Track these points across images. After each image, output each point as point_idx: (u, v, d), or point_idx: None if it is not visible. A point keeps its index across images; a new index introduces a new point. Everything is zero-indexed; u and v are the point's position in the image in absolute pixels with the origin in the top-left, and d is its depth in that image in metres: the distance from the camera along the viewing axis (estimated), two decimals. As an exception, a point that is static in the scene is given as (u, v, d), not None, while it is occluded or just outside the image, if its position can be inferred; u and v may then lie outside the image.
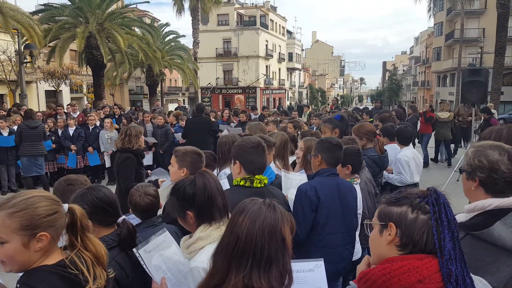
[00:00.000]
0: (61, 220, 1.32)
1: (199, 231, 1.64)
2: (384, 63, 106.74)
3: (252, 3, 45.80)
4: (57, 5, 17.67)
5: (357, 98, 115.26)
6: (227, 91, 43.05)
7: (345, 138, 3.71)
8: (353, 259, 2.80)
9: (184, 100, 40.50)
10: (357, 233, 2.92)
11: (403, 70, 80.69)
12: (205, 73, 38.33)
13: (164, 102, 30.14)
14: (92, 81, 19.67)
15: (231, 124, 9.68)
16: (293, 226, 1.33)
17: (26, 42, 14.97)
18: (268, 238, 1.24)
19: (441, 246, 1.14)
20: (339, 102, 17.16)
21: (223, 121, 10.24)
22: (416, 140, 9.83)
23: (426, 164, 10.18)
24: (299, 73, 61.47)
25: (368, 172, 3.57)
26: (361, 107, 14.95)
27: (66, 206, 1.35)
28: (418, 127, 10.40)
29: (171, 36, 26.50)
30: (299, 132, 5.73)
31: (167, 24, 26.35)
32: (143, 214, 2.27)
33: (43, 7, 18.17)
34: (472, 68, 8.92)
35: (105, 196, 1.80)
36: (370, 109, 11.25)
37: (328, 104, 19.74)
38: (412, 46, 69.36)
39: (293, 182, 2.96)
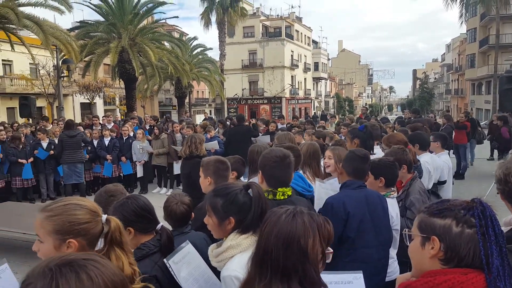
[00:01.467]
0: (94, 230, 1.35)
1: (230, 239, 1.65)
2: (414, 71, 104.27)
3: (277, 15, 46.27)
4: (92, 22, 18.53)
5: (386, 107, 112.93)
6: (253, 101, 43.40)
7: (394, 147, 3.58)
8: (390, 279, 2.68)
9: (210, 111, 41.18)
10: (395, 251, 2.80)
11: (435, 78, 78.46)
12: (231, 84, 38.90)
13: (192, 113, 30.77)
14: (125, 94, 20.36)
15: (259, 134, 9.74)
16: (328, 236, 1.26)
17: (64, 57, 15.78)
18: (283, 248, 1.19)
19: (489, 262, 1.09)
20: (368, 111, 16.79)
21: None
22: (451, 151, 9.51)
23: (461, 176, 9.81)
24: (325, 83, 61.08)
25: (421, 183, 3.46)
26: (390, 117, 14.54)
27: (104, 217, 1.39)
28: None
29: (199, 49, 27.20)
30: (328, 144, 5.68)
31: (195, 38, 27.05)
32: (177, 222, 2.31)
33: (79, 24, 19.09)
34: (510, 75, 8.57)
35: (144, 204, 1.85)
36: (403, 119, 10.97)
37: (357, 114, 19.43)
38: (444, 53, 67.45)
39: (326, 191, 2.93)
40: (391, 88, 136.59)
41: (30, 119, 14.48)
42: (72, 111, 27.26)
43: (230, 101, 40.53)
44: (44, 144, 8.05)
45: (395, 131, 6.16)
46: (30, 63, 23.12)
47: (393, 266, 2.78)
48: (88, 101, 27.14)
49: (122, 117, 23.48)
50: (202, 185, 2.67)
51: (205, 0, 29.50)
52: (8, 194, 7.96)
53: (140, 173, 8.96)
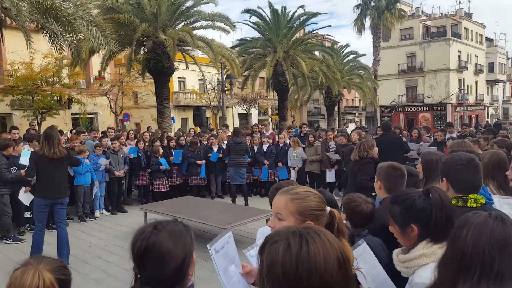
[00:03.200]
0: (323, 218, 1.48)
1: (422, 247, 1.62)
2: None
3: (441, 13, 41.52)
4: (249, 39, 20.27)
5: None
6: (411, 108, 39.84)
7: None
8: None
9: (360, 119, 39.82)
10: None
11: None
12: (385, 91, 36.63)
13: (340, 122, 30.41)
14: (277, 104, 21.50)
15: (422, 144, 8.84)
16: None
17: (227, 73, 17.69)
18: (498, 251, 1.17)
19: None
20: None
21: (412, 140, 9.42)
22: None
23: None
24: (504, 86, 51.64)
25: None
26: None
27: (328, 208, 1.52)
28: None
29: (350, 57, 26.68)
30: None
31: (347, 45, 26.64)
32: (364, 221, 2.32)
33: (238, 41, 21.14)
34: None
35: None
36: None
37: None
38: None
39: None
40: None
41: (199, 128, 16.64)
42: (232, 121, 30.36)
43: (384, 109, 38.21)
44: (215, 149, 9.18)
45: None
46: (199, 79, 27.02)
47: None
48: (245, 111, 29.79)
49: (274, 127, 24.88)
50: (375, 187, 2.74)
51: (358, 6, 28.93)
52: (185, 191, 9.22)
53: (292, 178, 9.16)
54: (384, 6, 27.77)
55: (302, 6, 18.78)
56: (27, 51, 12.35)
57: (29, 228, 6.89)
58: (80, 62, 13.02)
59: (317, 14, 18.83)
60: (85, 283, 4.68)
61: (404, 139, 9.52)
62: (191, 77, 27.28)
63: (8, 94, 15.69)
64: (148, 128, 13.31)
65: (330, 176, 9.00)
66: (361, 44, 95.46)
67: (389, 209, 1.73)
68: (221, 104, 24.63)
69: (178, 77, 27.51)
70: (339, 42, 33.14)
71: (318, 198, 1.49)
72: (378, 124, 28.12)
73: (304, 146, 9.37)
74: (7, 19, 10.24)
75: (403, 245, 1.72)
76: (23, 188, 6.35)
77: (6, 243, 6.23)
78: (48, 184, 4.94)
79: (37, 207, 5.09)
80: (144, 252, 1.28)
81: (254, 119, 32.25)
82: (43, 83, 16.09)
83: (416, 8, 40.26)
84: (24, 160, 6.19)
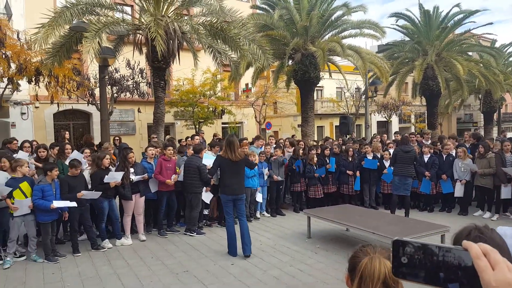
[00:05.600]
0: None
1: None
2: None
3: None
4: (392, 43, 19.35)
5: None
6: None
7: None
8: None
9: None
10: None
11: None
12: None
13: (499, 131, 26.13)
14: (420, 111, 19.88)
15: None
16: None
17: (371, 80, 17.20)
18: None
19: None
20: None
21: None
22: None
23: None
24: None
25: None
26: None
27: None
28: None
29: (516, 55, 22.92)
30: None
31: (511, 44, 22.99)
32: None
33: (377, 46, 20.31)
34: None
35: None
36: None
37: None
38: None
39: None
40: None
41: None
42: (370, 129, 29.26)
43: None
44: (369, 157, 9.01)
45: None
46: (336, 87, 26.85)
47: None
48: (384, 119, 28.34)
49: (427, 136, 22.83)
50: None
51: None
52: (337, 199, 9.29)
53: (458, 193, 8.37)
54: None
55: (457, 5, 17.06)
56: (191, 69, 14.40)
57: (206, 224, 7.97)
58: (237, 77, 14.47)
59: (476, 12, 16.79)
60: (266, 278, 5.06)
61: None
62: (328, 86, 27.45)
63: (174, 106, 18.41)
64: (292, 136, 13.92)
65: (506, 192, 7.90)
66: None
67: None
68: (358, 111, 24.10)
69: (317, 86, 28.00)
70: (497, 41, 28.81)
71: None
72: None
73: (472, 157, 8.48)
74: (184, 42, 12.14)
75: None
76: (204, 188, 7.44)
77: (190, 235, 7.22)
78: (229, 183, 5.73)
79: (223, 203, 5.97)
80: None
81: (395, 126, 30.41)
82: (201, 96, 18.43)
83: None
84: (206, 161, 7.35)
